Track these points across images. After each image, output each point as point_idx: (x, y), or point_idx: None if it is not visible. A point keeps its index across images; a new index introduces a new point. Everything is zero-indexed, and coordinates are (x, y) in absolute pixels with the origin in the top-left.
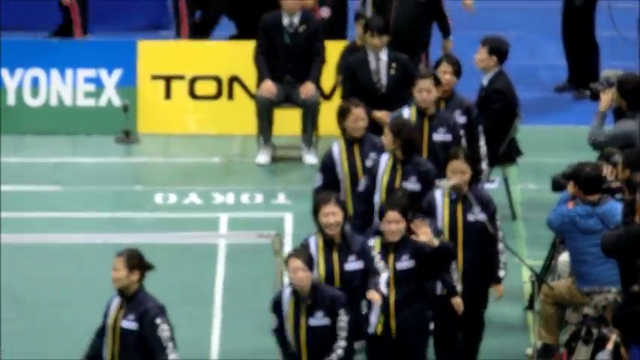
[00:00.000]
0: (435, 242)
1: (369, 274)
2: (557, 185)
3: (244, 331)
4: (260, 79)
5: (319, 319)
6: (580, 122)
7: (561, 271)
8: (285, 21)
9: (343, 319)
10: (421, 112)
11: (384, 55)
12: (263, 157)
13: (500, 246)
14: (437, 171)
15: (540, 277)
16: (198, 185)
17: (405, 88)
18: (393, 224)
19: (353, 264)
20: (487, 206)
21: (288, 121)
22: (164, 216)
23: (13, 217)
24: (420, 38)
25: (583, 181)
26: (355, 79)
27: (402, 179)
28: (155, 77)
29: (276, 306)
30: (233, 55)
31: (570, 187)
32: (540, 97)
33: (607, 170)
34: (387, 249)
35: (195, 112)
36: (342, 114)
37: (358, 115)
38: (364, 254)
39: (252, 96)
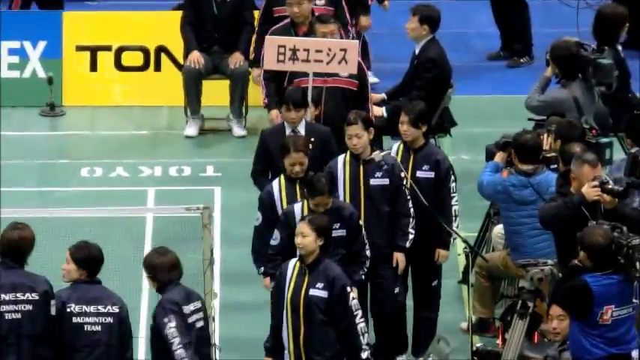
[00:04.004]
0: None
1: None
2: (492, 155)
3: None
4: (187, 50)
5: None
6: (514, 91)
7: (496, 243)
8: None
9: None
10: (356, 158)
11: (301, 129)
12: (191, 129)
13: (411, 210)
14: (378, 217)
15: (474, 250)
16: (125, 158)
17: (325, 164)
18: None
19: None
20: (392, 173)
21: (216, 93)
22: (91, 190)
23: None
24: None
25: (520, 148)
26: (269, 154)
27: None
28: (80, 48)
29: None
30: (160, 26)
31: (498, 157)
32: (473, 65)
33: (546, 140)
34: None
35: (121, 83)
36: (282, 153)
37: (296, 160)
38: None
39: (179, 67)
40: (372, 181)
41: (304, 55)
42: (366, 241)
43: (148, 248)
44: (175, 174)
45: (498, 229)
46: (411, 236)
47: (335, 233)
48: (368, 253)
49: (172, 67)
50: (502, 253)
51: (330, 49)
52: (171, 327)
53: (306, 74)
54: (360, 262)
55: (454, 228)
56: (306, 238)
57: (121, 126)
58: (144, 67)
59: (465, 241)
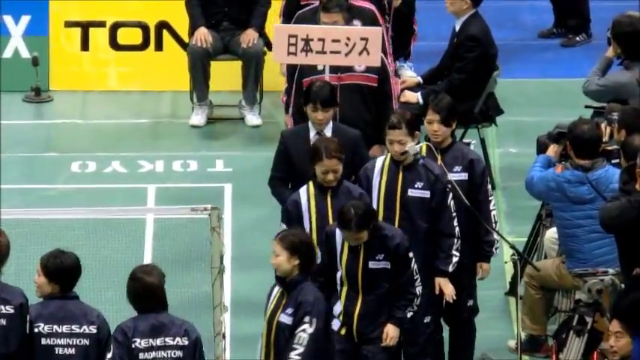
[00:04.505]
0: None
1: None
2: (544, 148)
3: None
4: (193, 27)
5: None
6: (569, 74)
7: (548, 249)
8: None
9: None
10: (396, 163)
11: (328, 131)
12: (198, 118)
13: (456, 230)
14: (414, 233)
15: (524, 257)
16: (122, 151)
17: (355, 171)
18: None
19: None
20: (434, 182)
21: (226, 76)
22: (82, 187)
23: None
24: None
25: (576, 139)
26: (290, 160)
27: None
28: (70, 24)
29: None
30: None
31: (551, 150)
32: (522, 44)
33: (606, 130)
34: None
35: (117, 64)
36: (313, 158)
37: (329, 167)
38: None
39: (184, 46)
40: (410, 192)
41: (319, 45)
42: (417, 276)
43: (148, 254)
44: (180, 169)
45: (551, 233)
46: (454, 259)
47: (377, 265)
48: (418, 290)
49: (176, 47)
50: (555, 260)
51: (348, 39)
52: (107, 356)
53: (315, 72)
54: (408, 299)
55: (496, 235)
56: (278, 258)
57: (118, 114)
58: (143, 46)
59: (512, 247)
